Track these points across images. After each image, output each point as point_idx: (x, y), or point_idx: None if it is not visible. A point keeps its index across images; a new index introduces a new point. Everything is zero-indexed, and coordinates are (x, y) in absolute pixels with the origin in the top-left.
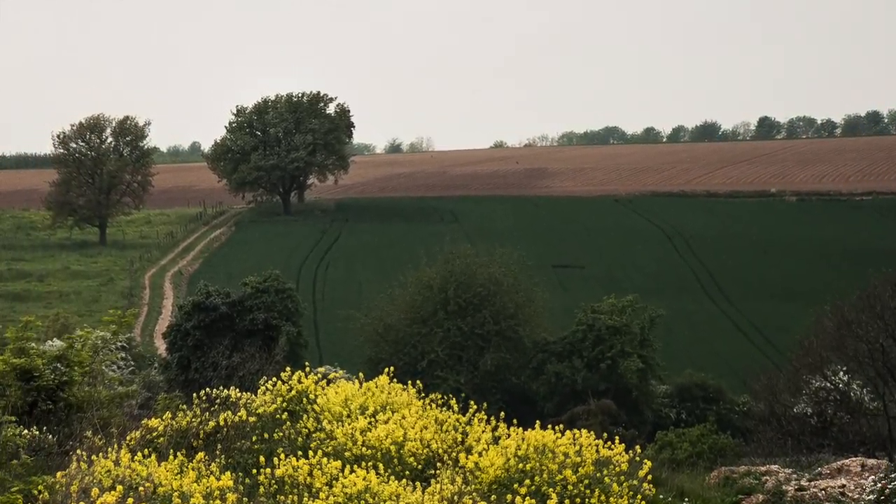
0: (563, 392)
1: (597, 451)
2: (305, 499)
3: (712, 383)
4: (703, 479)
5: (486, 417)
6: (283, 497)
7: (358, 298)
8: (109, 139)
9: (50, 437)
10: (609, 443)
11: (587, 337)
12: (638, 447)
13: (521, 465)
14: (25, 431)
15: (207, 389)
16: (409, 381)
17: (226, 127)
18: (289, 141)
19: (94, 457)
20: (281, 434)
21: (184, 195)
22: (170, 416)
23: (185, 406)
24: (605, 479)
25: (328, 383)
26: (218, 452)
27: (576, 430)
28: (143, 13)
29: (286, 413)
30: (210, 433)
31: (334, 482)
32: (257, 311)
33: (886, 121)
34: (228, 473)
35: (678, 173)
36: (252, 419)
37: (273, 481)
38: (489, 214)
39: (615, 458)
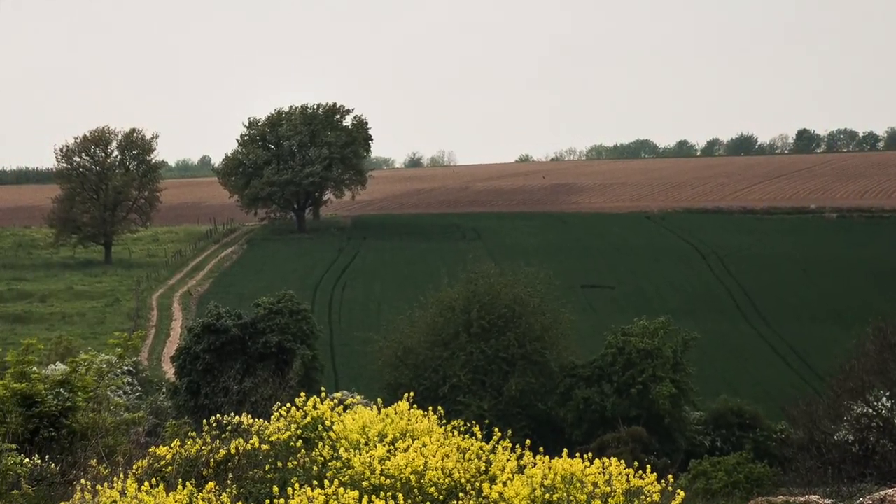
0: (591, 419)
1: (627, 480)
2: None
3: (748, 409)
4: None
5: (510, 445)
6: None
7: (376, 320)
8: (115, 153)
9: (52, 465)
10: (640, 472)
11: (617, 361)
12: (671, 476)
13: (547, 496)
14: (27, 460)
15: (218, 416)
16: (430, 407)
17: (237, 140)
18: (303, 155)
19: (98, 487)
20: (295, 463)
21: (193, 212)
22: (178, 443)
23: (194, 433)
24: None
25: (345, 409)
26: (229, 482)
27: (605, 459)
28: (149, 19)
29: (301, 441)
30: (221, 462)
31: None
32: (270, 334)
33: None
34: None
35: (713, 189)
36: (265, 447)
37: None
38: (514, 232)
39: (647, 487)
